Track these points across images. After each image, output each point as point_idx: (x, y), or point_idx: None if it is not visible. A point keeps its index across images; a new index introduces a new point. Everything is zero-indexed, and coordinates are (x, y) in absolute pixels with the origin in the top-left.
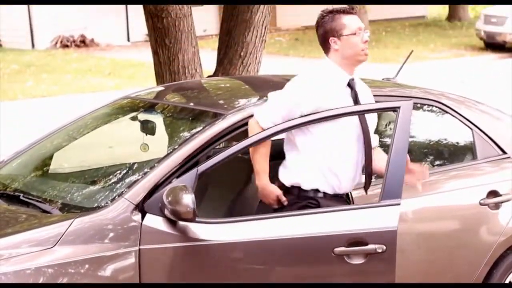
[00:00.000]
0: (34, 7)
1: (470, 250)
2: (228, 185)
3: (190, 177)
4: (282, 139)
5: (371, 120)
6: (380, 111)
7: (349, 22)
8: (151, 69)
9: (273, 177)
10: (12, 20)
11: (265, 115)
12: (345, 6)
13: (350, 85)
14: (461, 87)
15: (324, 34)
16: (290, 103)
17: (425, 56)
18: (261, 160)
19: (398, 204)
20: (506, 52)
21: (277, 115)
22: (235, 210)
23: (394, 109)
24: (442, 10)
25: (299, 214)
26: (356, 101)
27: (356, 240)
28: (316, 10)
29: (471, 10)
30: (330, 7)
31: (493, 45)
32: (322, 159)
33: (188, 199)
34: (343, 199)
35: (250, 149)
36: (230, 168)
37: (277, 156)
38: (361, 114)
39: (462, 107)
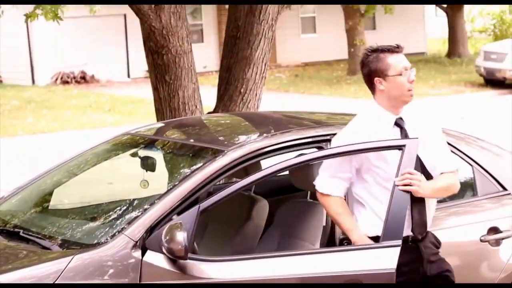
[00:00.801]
0: (34, 43)
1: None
2: (229, 222)
3: (191, 214)
4: (286, 175)
5: (430, 148)
6: (385, 149)
7: (395, 61)
8: (151, 105)
9: (273, 214)
10: (13, 56)
11: (320, 179)
12: (391, 44)
13: (399, 124)
14: (461, 124)
15: (369, 74)
16: (340, 159)
17: (425, 93)
18: (345, 219)
19: (399, 246)
20: (506, 88)
21: (331, 179)
22: (235, 247)
23: (400, 147)
24: (441, 47)
25: (296, 254)
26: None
27: (354, 281)
28: (315, 48)
29: (471, 46)
30: (374, 45)
31: (493, 81)
32: (380, 204)
33: (180, 237)
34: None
35: (331, 215)
36: (230, 204)
37: (279, 192)
38: (363, 152)
39: (462, 143)
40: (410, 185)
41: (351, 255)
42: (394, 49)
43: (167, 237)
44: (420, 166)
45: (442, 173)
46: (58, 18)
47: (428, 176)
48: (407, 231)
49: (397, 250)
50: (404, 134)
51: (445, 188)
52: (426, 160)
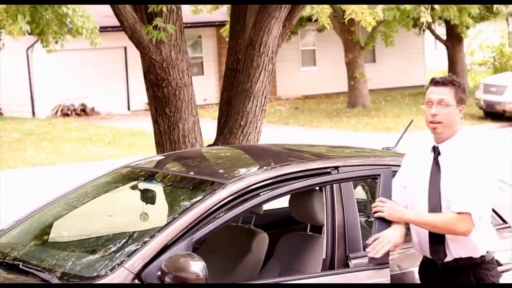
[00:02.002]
0: (35, 76)
1: None
2: (229, 254)
3: (185, 245)
4: (286, 208)
5: (458, 183)
6: (360, 179)
7: (428, 92)
8: (151, 137)
9: (273, 246)
10: (13, 88)
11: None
12: (441, 77)
13: (435, 151)
14: None
15: None
16: (396, 178)
17: (425, 126)
18: (429, 218)
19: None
20: (506, 121)
21: (394, 195)
22: (235, 280)
23: (375, 177)
24: None
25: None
26: (438, 167)
27: None
28: (315, 81)
29: (471, 79)
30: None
31: (492, 114)
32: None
33: (197, 267)
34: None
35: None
36: (230, 237)
37: (279, 225)
38: (338, 182)
39: None
40: (382, 212)
41: (335, 280)
42: (434, 81)
43: (174, 266)
44: (431, 196)
45: (451, 211)
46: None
47: (435, 209)
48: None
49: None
50: (435, 163)
51: (435, 225)
52: (447, 192)
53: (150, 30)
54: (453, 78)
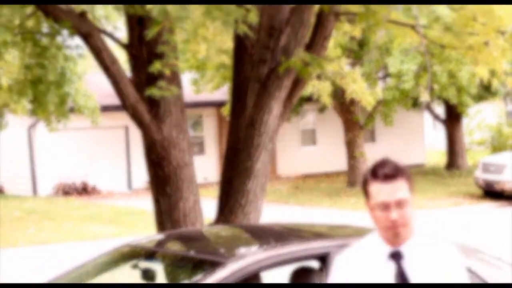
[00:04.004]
0: (36, 154)
1: None
2: None
3: None
4: None
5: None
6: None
7: (375, 190)
8: (152, 216)
9: None
10: (15, 166)
11: None
12: (379, 169)
13: (394, 258)
14: (460, 236)
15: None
16: None
17: (424, 205)
18: None
19: None
20: (505, 200)
21: None
22: None
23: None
24: (440, 159)
25: None
26: (403, 274)
27: None
28: (315, 160)
29: (470, 159)
30: (382, 159)
31: (492, 193)
32: None
33: None
34: None
35: None
36: None
37: None
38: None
39: (462, 255)
40: None
41: None
42: (380, 175)
43: None
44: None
45: None
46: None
47: None
48: None
49: None
50: (399, 272)
51: None
52: None
53: (153, 90)
54: (399, 165)
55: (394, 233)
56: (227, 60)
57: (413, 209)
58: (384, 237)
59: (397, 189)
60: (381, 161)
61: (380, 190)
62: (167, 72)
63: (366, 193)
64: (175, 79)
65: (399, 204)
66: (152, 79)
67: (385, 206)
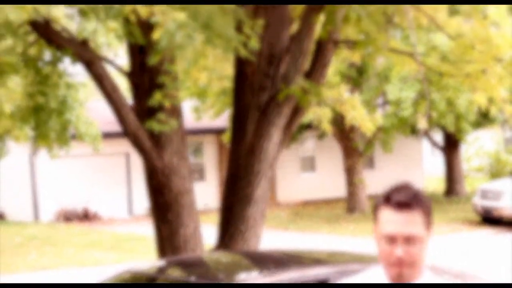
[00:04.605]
0: (38, 180)
1: None
2: None
3: None
4: None
5: None
6: None
7: (385, 219)
8: (153, 242)
9: None
10: (16, 192)
11: None
12: (396, 194)
13: None
14: (459, 262)
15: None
16: None
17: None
18: None
19: None
20: (504, 226)
21: None
22: None
23: None
24: (439, 185)
25: None
26: None
27: None
28: (315, 186)
29: (468, 185)
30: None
31: (490, 219)
32: None
33: None
34: None
35: None
36: None
37: None
38: None
39: (459, 280)
40: None
41: None
42: (394, 202)
43: None
44: None
45: None
46: (55, 156)
47: None
48: None
49: None
50: None
51: None
52: None
53: (153, 124)
54: (418, 194)
55: (397, 272)
56: (229, 84)
57: (426, 248)
58: (387, 273)
59: (410, 222)
60: (399, 185)
61: (389, 219)
62: (167, 104)
63: (376, 218)
64: (175, 109)
65: (409, 240)
66: (153, 110)
67: (392, 239)
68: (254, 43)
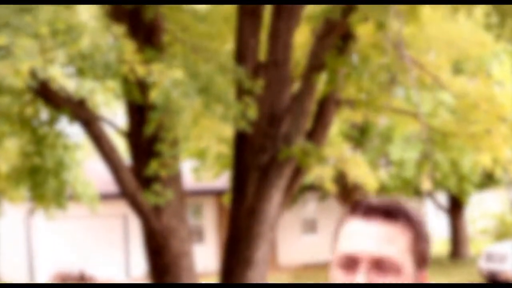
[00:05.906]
0: (34, 242)
1: None
2: None
3: None
4: None
5: None
6: None
7: (344, 233)
8: None
9: None
10: (12, 254)
11: None
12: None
13: None
14: None
15: None
16: None
17: None
18: None
19: None
20: None
21: None
22: None
23: None
24: (443, 247)
25: None
26: None
27: None
28: (316, 249)
29: (473, 247)
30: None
31: (496, 283)
32: None
33: None
34: None
35: None
36: None
37: None
38: None
39: None
40: None
41: None
42: (363, 206)
43: None
44: None
45: None
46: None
47: None
48: None
49: None
50: None
51: None
52: None
53: (148, 195)
54: (405, 207)
55: None
56: (226, 149)
57: None
58: None
59: (385, 238)
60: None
61: (352, 231)
62: (163, 174)
63: (334, 240)
64: (173, 176)
65: (379, 265)
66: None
67: (351, 262)
68: (252, 113)
